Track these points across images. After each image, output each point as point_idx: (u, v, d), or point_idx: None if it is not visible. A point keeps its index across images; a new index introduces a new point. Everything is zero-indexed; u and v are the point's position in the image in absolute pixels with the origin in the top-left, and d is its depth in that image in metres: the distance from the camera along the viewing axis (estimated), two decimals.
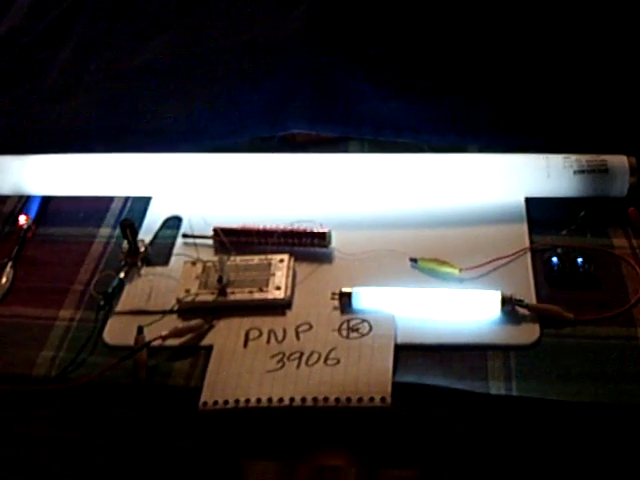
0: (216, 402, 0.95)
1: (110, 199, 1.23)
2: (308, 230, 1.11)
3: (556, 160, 1.13)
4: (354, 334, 1.00)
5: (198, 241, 1.13)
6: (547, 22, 1.23)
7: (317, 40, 1.24)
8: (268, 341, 1.01)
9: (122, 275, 1.10)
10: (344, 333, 1.00)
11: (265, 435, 0.98)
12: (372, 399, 0.93)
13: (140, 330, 1.00)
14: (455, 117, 1.19)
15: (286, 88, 1.22)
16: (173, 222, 1.18)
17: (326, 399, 0.93)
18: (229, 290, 1.06)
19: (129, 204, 1.23)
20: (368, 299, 1.03)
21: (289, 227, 1.11)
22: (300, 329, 1.02)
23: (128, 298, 1.08)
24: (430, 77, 1.20)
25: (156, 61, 1.30)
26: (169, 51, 1.31)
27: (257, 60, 1.25)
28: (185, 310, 1.05)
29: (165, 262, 1.13)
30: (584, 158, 1.13)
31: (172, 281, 1.09)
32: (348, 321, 1.02)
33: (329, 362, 0.97)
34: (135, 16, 1.37)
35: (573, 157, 1.13)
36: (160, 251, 1.14)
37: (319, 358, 0.98)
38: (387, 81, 1.20)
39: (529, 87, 1.19)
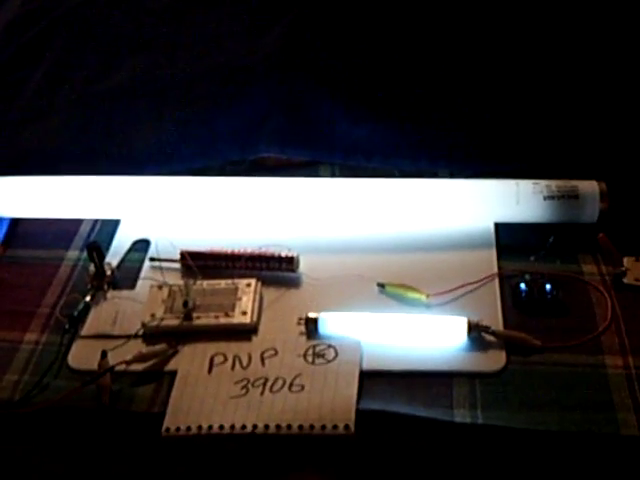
0: (179, 428, 0.94)
1: (79, 222, 1.23)
2: (276, 254, 1.10)
3: (526, 186, 1.13)
4: (320, 360, 0.99)
5: (165, 264, 1.13)
6: (517, 50, 1.23)
7: (290, 64, 1.24)
8: (233, 367, 1.00)
9: (88, 298, 1.09)
10: (310, 359, 1.00)
11: (230, 461, 0.97)
12: (335, 427, 0.92)
13: (104, 354, 1.00)
14: (426, 143, 1.19)
15: (258, 112, 1.22)
16: (141, 245, 1.18)
17: (289, 427, 0.92)
18: (195, 315, 1.05)
19: (98, 227, 1.22)
20: (334, 324, 1.02)
21: (257, 251, 1.11)
22: (265, 355, 1.01)
23: (93, 322, 1.07)
24: (401, 103, 1.20)
25: (128, 83, 1.30)
26: (141, 73, 1.31)
27: (229, 83, 1.25)
28: (150, 335, 1.04)
29: (132, 286, 1.12)
30: (554, 184, 1.13)
31: (138, 305, 1.08)
32: (314, 347, 1.01)
33: (293, 389, 0.96)
34: (108, 38, 1.37)
35: (543, 183, 1.13)
36: (127, 274, 1.14)
37: (284, 384, 0.97)
38: (359, 106, 1.20)
39: (500, 113, 1.19)
